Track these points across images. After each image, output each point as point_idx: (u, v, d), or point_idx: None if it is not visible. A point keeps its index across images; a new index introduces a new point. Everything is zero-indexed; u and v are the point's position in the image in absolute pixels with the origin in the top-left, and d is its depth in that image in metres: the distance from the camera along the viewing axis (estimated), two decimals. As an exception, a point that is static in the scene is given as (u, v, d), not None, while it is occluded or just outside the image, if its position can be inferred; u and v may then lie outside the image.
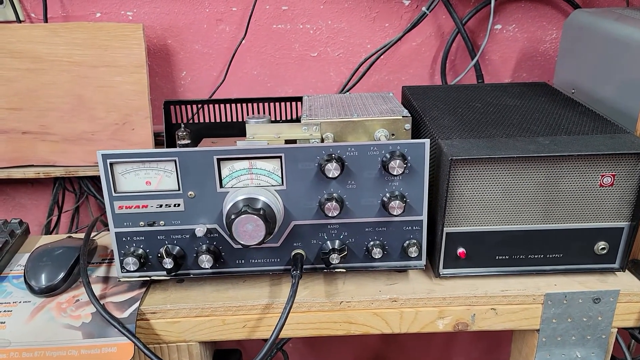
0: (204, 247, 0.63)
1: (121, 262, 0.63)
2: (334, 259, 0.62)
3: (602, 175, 0.61)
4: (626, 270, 0.67)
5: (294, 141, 0.68)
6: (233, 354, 0.79)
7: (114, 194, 0.61)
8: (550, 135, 0.64)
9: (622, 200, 0.62)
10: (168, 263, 0.62)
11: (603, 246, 0.65)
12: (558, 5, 0.99)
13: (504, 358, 1.32)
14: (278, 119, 0.89)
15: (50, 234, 1.07)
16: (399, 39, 0.99)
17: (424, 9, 0.96)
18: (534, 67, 1.04)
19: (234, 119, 0.88)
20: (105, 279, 0.68)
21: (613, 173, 0.61)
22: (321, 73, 1.03)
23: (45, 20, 0.95)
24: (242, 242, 0.58)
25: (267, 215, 0.58)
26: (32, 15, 0.96)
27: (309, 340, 1.30)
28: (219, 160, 0.60)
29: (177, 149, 0.60)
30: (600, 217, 0.63)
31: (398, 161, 0.59)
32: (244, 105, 0.88)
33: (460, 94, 0.83)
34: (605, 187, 0.62)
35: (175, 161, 0.60)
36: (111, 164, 0.59)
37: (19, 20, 0.95)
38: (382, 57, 1.01)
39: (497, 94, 0.82)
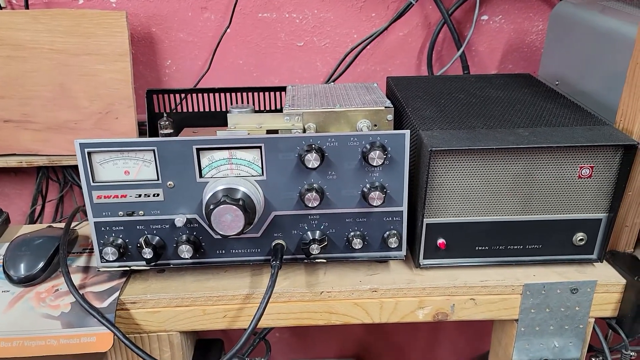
0: (184, 237, 0.63)
1: (100, 252, 0.63)
2: (314, 249, 0.63)
3: (581, 167, 0.61)
4: (604, 261, 0.68)
5: (276, 131, 0.68)
6: (215, 343, 0.79)
7: (92, 184, 0.60)
8: (530, 126, 0.65)
9: (600, 192, 0.63)
10: (147, 253, 0.61)
11: (581, 237, 0.65)
12: (544, -4, 0.99)
13: (486, 348, 1.33)
14: (263, 108, 0.88)
15: (35, 223, 1.07)
16: (385, 28, 0.99)
17: (410, -2, 0.95)
18: (520, 58, 1.04)
19: (218, 109, 0.88)
20: (86, 269, 0.68)
21: (591, 165, 0.61)
22: (307, 63, 1.03)
23: (27, 7, 0.93)
24: (221, 233, 0.58)
25: (246, 206, 0.58)
26: (13, 1, 0.95)
27: (294, 331, 1.31)
28: (198, 150, 0.59)
29: (156, 139, 0.59)
30: (578, 208, 0.64)
31: (378, 152, 0.59)
32: (229, 94, 0.87)
33: (444, 85, 0.83)
34: (584, 178, 0.62)
35: (154, 151, 0.59)
36: (89, 153, 0.59)
37: (-1, 7, 0.93)
38: (368, 47, 1.01)
39: (480, 85, 0.82)
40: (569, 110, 0.70)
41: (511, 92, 0.78)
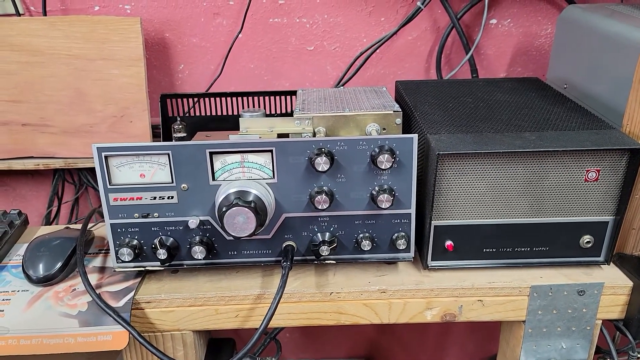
0: (197, 238, 0.64)
1: (116, 252, 0.64)
2: (324, 250, 0.64)
3: (587, 171, 0.62)
4: (611, 264, 0.68)
5: (286, 135, 0.70)
6: (227, 342, 0.80)
7: (109, 187, 0.62)
8: (537, 130, 0.65)
9: (607, 195, 0.63)
10: (162, 254, 0.63)
11: (588, 240, 0.66)
12: (553, 0, 0.99)
13: (496, 349, 1.34)
14: (273, 112, 0.90)
15: (50, 224, 1.09)
16: (395, 33, 1.00)
17: (418, 3, 0.96)
18: (529, 62, 1.04)
19: (230, 113, 0.89)
20: (102, 269, 0.70)
21: (598, 168, 0.62)
22: (317, 67, 1.04)
23: (45, 14, 0.96)
24: (233, 234, 0.59)
25: (258, 208, 0.59)
26: (31, 8, 0.97)
27: (304, 331, 1.32)
28: (211, 153, 0.61)
29: (171, 143, 0.61)
30: (585, 211, 0.64)
31: (387, 155, 0.60)
32: (240, 98, 0.89)
33: (452, 88, 0.84)
34: (590, 182, 0.63)
35: (168, 154, 0.61)
36: (106, 157, 0.61)
37: (18, 14, 0.96)
38: (377, 51, 1.02)
39: (488, 89, 0.83)
40: (576, 114, 0.71)
41: (519, 96, 0.79)
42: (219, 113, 0.89)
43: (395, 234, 0.65)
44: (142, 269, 0.66)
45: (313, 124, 0.70)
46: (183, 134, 0.84)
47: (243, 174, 0.62)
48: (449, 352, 1.38)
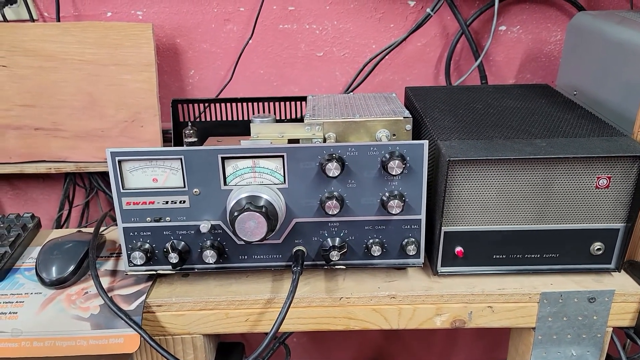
0: (208, 242, 0.65)
1: (128, 256, 0.65)
2: (334, 256, 0.64)
3: (598, 177, 0.62)
4: (622, 271, 0.68)
5: (297, 140, 0.70)
6: (236, 347, 0.81)
7: (122, 191, 0.63)
8: (548, 137, 0.66)
9: (618, 202, 0.63)
10: (173, 258, 0.64)
11: (599, 247, 0.66)
12: (563, 7, 1.00)
13: (503, 356, 1.33)
14: (283, 118, 0.90)
15: (61, 228, 1.10)
16: (404, 39, 1.01)
17: (428, 10, 0.97)
18: (538, 68, 1.04)
19: (240, 118, 0.90)
20: (113, 272, 0.71)
21: (609, 175, 0.62)
22: (327, 73, 1.05)
23: (58, 20, 0.97)
24: (244, 239, 0.60)
25: (269, 213, 0.60)
26: (45, 14, 0.99)
27: (312, 336, 1.32)
28: (223, 158, 0.62)
29: (183, 148, 0.62)
30: (596, 218, 0.64)
31: (397, 161, 0.60)
32: (250, 104, 0.90)
33: (462, 95, 0.84)
34: (601, 188, 0.63)
35: (181, 159, 0.62)
36: (119, 162, 0.62)
37: (32, 19, 0.97)
38: (387, 57, 1.03)
39: (498, 96, 0.83)
40: (587, 120, 0.71)
41: (529, 102, 0.79)
42: (229, 118, 0.90)
43: (405, 240, 0.65)
44: (154, 272, 0.67)
45: (323, 129, 0.71)
46: (194, 139, 0.84)
47: (254, 179, 0.63)
48: (455, 358, 1.38)
